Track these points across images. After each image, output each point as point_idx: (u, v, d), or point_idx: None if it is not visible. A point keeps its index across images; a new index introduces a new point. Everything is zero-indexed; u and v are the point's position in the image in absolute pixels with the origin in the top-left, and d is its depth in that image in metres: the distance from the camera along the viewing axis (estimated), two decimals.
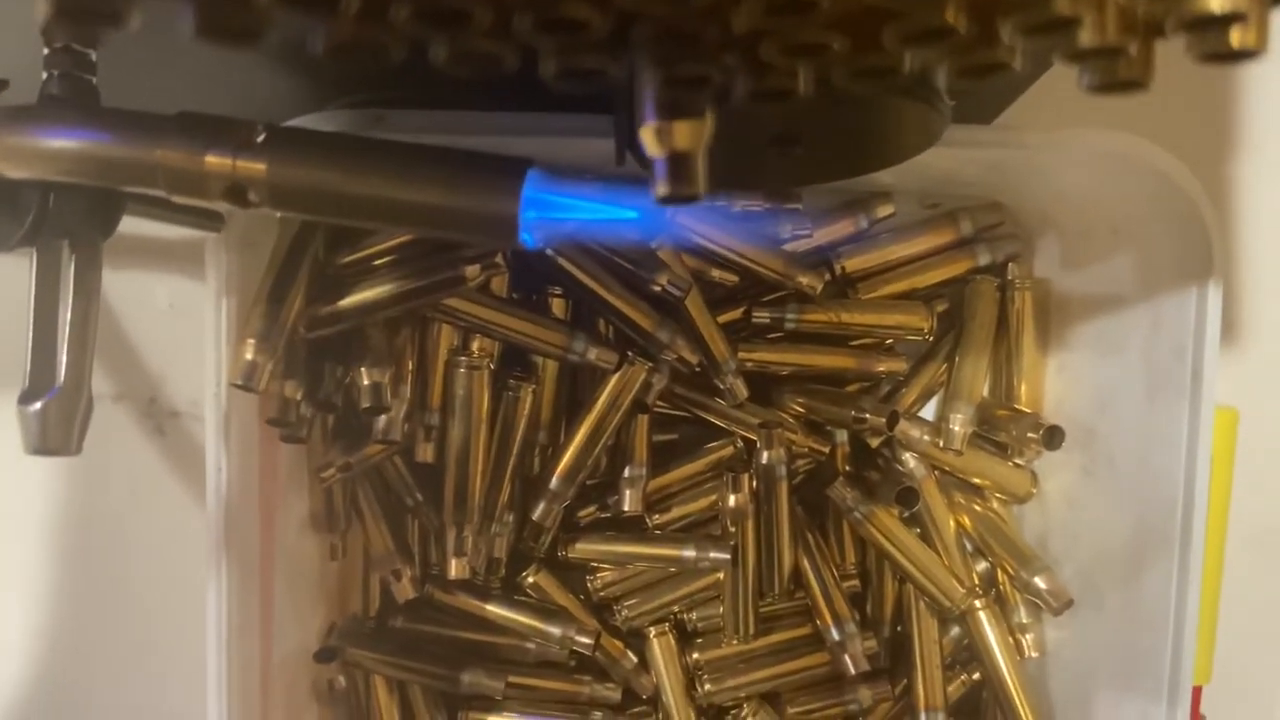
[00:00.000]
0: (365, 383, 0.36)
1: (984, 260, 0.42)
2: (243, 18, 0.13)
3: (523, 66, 0.18)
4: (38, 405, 0.27)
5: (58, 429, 0.27)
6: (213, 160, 0.23)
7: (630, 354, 0.40)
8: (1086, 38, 0.16)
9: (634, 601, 0.43)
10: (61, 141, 0.24)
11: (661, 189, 0.20)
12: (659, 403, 0.42)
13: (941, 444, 0.41)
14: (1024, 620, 0.43)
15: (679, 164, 0.19)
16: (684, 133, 0.19)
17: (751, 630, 0.41)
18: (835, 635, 0.41)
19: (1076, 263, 0.41)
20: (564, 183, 0.24)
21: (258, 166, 0.23)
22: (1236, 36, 0.15)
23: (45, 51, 0.28)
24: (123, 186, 0.26)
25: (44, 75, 0.28)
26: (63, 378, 0.27)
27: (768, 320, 0.41)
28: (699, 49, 0.16)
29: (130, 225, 0.31)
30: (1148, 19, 0.16)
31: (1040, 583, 0.41)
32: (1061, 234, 0.42)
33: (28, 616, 0.44)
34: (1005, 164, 0.37)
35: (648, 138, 0.19)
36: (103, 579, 0.44)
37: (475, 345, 0.40)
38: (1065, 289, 0.42)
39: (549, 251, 0.38)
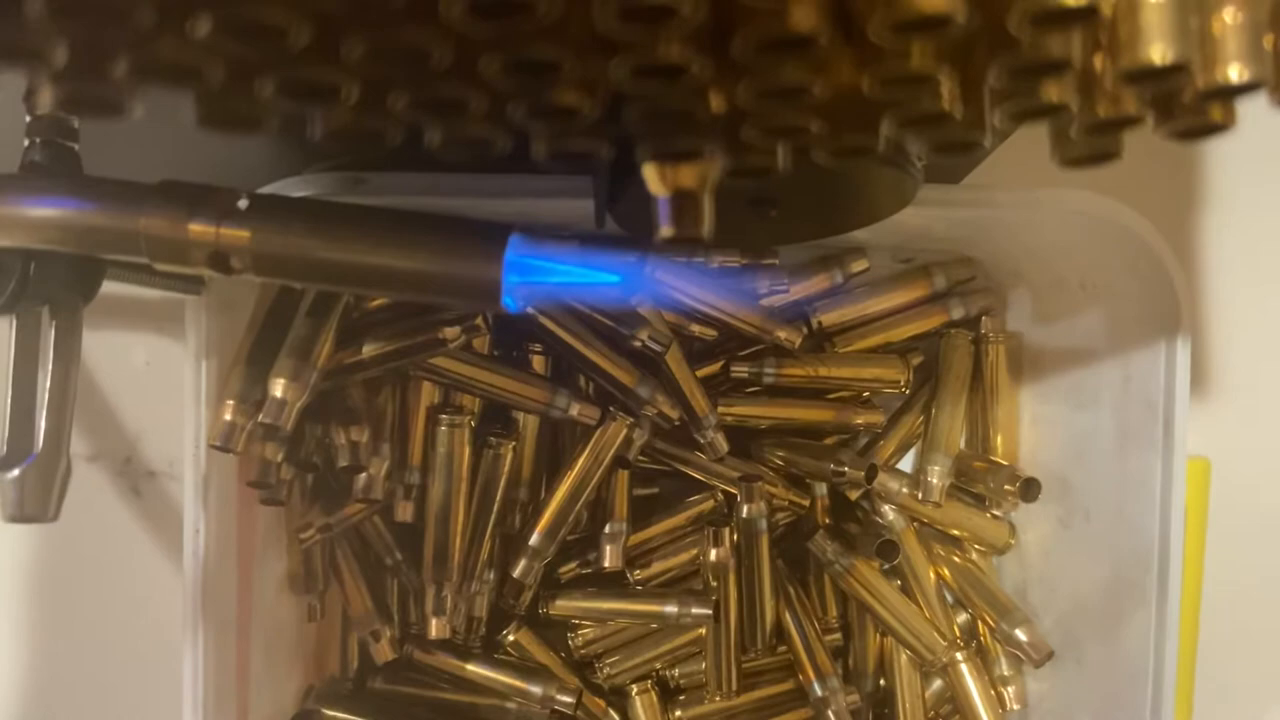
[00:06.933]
0: (344, 442, 0.36)
1: (957, 314, 0.43)
2: (245, 108, 0.14)
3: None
4: (15, 472, 0.27)
5: (35, 496, 0.27)
6: (196, 228, 0.23)
7: (611, 409, 0.40)
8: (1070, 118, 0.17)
9: (616, 658, 0.42)
10: (44, 210, 0.24)
11: (665, 230, 0.18)
12: (639, 458, 0.42)
13: (920, 496, 0.41)
14: (1005, 672, 0.43)
15: (683, 204, 0.18)
16: (688, 172, 0.17)
17: (734, 686, 0.41)
18: (818, 691, 0.41)
19: (1048, 316, 0.42)
20: (545, 246, 0.24)
21: (241, 234, 0.23)
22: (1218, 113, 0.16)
23: (27, 119, 0.28)
24: (105, 254, 0.26)
25: (25, 142, 0.28)
26: (41, 444, 0.27)
27: (746, 374, 0.42)
28: (689, 126, 0.16)
29: (106, 284, 0.31)
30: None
31: (1021, 635, 0.41)
32: (1032, 288, 0.42)
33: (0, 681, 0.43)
34: (975, 221, 0.37)
35: (650, 175, 0.17)
36: (76, 642, 0.43)
37: (456, 402, 0.40)
38: (1037, 342, 0.43)
39: (530, 309, 0.39)
